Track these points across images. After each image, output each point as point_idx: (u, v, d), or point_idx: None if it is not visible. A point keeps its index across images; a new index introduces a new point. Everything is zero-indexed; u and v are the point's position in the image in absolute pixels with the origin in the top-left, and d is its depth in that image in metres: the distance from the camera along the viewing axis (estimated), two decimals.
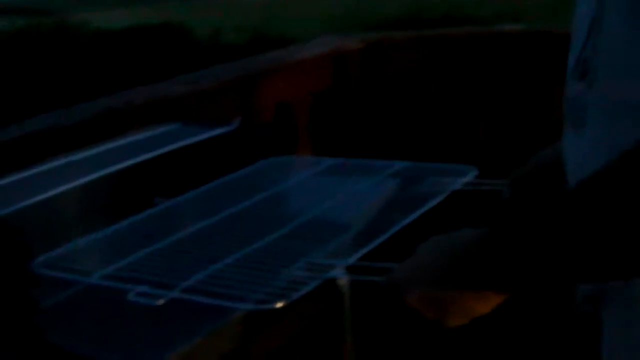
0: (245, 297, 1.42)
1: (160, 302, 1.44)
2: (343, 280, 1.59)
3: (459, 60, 3.49)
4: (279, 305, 1.40)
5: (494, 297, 1.11)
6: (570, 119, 1.14)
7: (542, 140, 1.51)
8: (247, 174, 2.23)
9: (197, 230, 1.85)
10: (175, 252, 1.70)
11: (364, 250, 1.65)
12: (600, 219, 0.93)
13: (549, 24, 7.08)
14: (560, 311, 1.90)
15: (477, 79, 3.47)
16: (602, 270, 0.97)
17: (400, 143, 3.54)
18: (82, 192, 1.90)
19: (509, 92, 3.44)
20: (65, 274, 1.61)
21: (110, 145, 2.14)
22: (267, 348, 2.12)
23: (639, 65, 0.98)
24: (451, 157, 2.24)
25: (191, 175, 2.18)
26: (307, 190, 2.11)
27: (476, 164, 2.11)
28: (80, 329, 1.72)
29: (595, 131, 1.07)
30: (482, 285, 1.10)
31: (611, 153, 0.92)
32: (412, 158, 2.24)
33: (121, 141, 2.19)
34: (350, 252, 1.63)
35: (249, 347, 2.00)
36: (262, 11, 21.32)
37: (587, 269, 0.98)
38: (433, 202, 1.91)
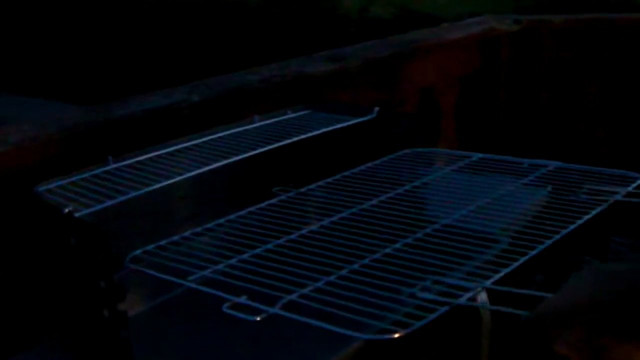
0: (359, 322, 1.23)
1: (259, 318, 1.27)
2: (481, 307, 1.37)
3: (627, 51, 3.17)
4: (398, 335, 1.21)
5: None
6: None
7: None
8: (380, 166, 2.03)
9: (316, 229, 1.67)
10: (285, 256, 1.52)
11: (507, 271, 1.44)
12: None
13: None
14: None
15: None
16: None
17: (551, 139, 3.27)
18: (198, 181, 1.75)
19: None
20: (158, 273, 1.47)
21: (236, 129, 1.99)
22: None
23: None
24: (610, 161, 1.99)
25: (319, 164, 2.00)
26: (446, 190, 1.89)
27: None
28: (167, 344, 1.56)
29: None
30: None
31: None
32: (563, 157, 2.00)
33: (249, 126, 2.03)
34: (490, 272, 1.42)
35: None
36: None
37: None
38: (590, 215, 1.67)
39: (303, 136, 1.92)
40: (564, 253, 1.67)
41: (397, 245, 1.57)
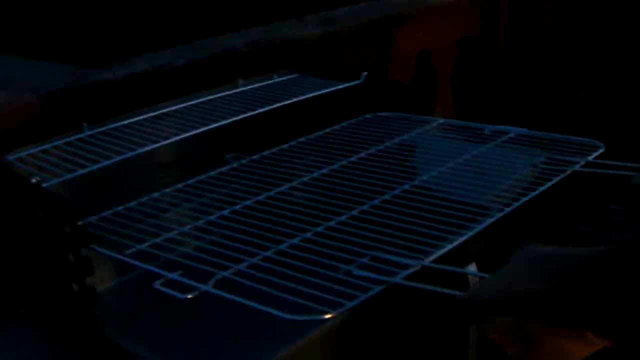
0: (291, 302, 1.16)
1: (190, 296, 1.20)
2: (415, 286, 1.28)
3: (630, 15, 3.08)
4: (328, 316, 1.15)
5: (598, 341, 0.88)
6: None
7: None
8: (340, 131, 1.97)
9: (262, 199, 1.61)
10: (227, 229, 1.46)
11: (450, 247, 1.37)
12: None
13: None
14: None
15: None
16: None
17: (549, 106, 3.19)
18: (172, 149, 1.69)
19: None
20: (98, 246, 1.41)
21: (218, 94, 1.92)
22: None
23: None
24: (612, 130, 1.92)
25: (292, 131, 1.93)
26: (406, 155, 1.81)
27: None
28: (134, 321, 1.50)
29: None
30: (589, 324, 0.86)
31: None
32: (561, 125, 1.92)
33: (232, 90, 1.97)
34: (431, 247, 1.35)
35: None
36: None
37: None
38: (546, 186, 1.60)
39: (284, 102, 1.85)
40: (511, 235, 1.59)
41: (345, 217, 1.50)
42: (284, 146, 1.89)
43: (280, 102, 1.85)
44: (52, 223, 1.38)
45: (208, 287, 1.22)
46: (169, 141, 1.66)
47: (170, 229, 1.49)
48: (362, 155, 1.81)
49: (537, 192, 1.56)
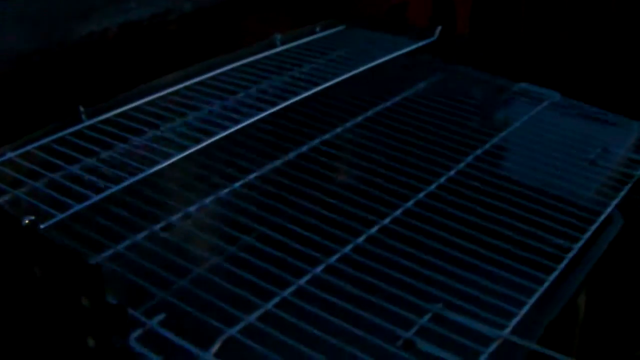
0: None
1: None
2: None
3: None
4: None
5: None
6: None
7: None
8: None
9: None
10: None
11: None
12: None
13: None
14: None
15: None
16: None
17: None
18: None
19: None
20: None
21: (252, 57, 1.41)
22: None
23: None
24: None
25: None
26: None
27: None
28: None
29: None
30: None
31: None
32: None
33: (270, 51, 1.45)
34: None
35: None
36: None
37: None
38: None
39: (355, 70, 1.34)
40: None
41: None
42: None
43: (350, 69, 1.35)
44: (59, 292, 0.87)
45: None
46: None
47: None
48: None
49: None
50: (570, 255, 1.02)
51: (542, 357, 0.86)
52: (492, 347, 0.86)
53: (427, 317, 0.90)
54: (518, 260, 0.99)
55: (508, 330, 0.88)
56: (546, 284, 0.96)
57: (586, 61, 2.55)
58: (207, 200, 1.09)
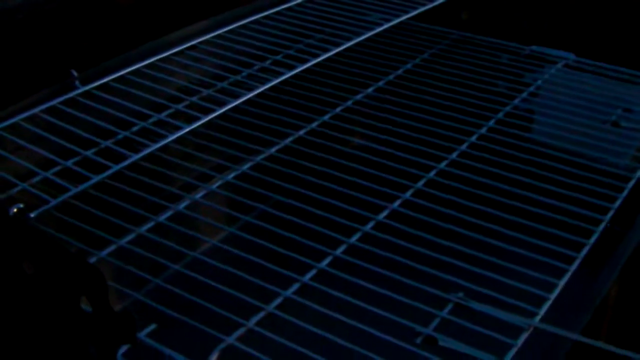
0: None
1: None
2: None
3: None
4: None
5: None
6: None
7: None
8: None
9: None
10: None
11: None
12: None
13: None
14: None
15: None
16: None
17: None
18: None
19: None
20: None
21: (267, 11, 1.31)
22: None
23: None
24: None
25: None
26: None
27: None
28: None
29: None
30: None
31: None
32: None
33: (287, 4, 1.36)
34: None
35: None
36: None
37: None
38: None
39: (378, 28, 1.24)
40: None
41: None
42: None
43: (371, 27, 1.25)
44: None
45: None
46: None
47: None
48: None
49: None
50: (601, 227, 0.93)
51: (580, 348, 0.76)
52: (523, 338, 0.76)
53: (447, 308, 0.81)
54: (544, 237, 0.89)
55: (538, 317, 0.79)
56: (577, 262, 0.87)
57: (599, 21, 2.42)
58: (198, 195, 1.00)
